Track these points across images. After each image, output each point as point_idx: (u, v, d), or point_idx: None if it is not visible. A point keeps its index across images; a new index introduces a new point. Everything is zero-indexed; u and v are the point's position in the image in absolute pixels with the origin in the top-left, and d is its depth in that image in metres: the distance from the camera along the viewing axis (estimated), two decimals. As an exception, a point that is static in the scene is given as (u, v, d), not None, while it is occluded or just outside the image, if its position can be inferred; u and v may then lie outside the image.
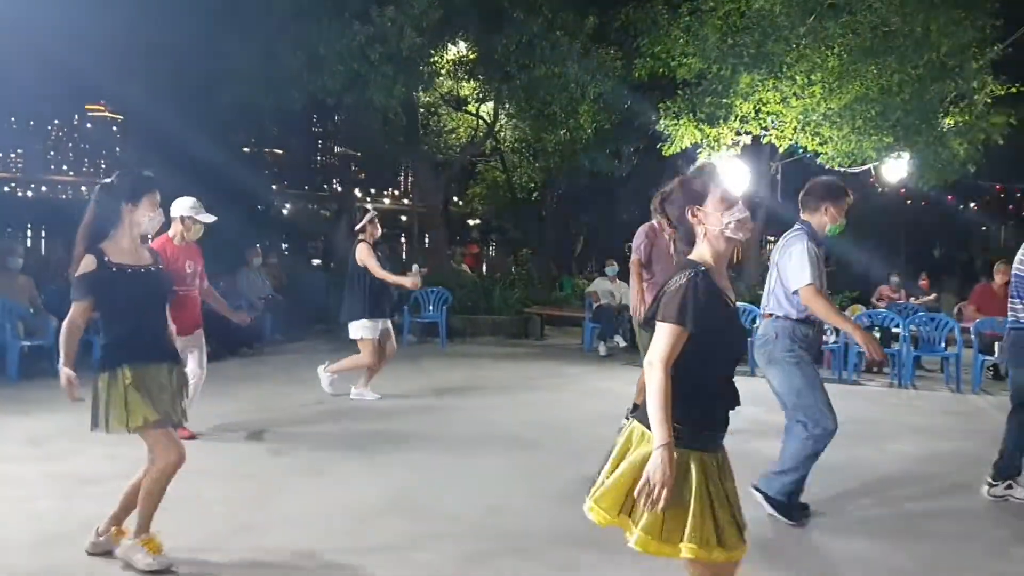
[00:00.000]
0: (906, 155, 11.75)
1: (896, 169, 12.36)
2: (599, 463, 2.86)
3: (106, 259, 3.89)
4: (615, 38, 13.26)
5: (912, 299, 13.10)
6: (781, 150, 11.70)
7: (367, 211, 8.25)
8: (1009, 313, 5.34)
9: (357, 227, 7.78)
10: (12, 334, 8.78)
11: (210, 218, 6.23)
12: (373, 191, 37.01)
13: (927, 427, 7.77)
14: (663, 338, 2.66)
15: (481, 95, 15.29)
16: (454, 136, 18.01)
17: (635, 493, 2.59)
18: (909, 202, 27.71)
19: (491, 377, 9.80)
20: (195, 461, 4.20)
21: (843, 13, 10.66)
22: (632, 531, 2.63)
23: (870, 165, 12.15)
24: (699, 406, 2.70)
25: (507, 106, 14.32)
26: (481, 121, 17.02)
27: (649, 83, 12.83)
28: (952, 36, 11.02)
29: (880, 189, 17.23)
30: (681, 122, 11.41)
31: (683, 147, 12.05)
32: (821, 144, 11.27)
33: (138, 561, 3.88)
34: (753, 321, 9.99)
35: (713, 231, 2.81)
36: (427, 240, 21.34)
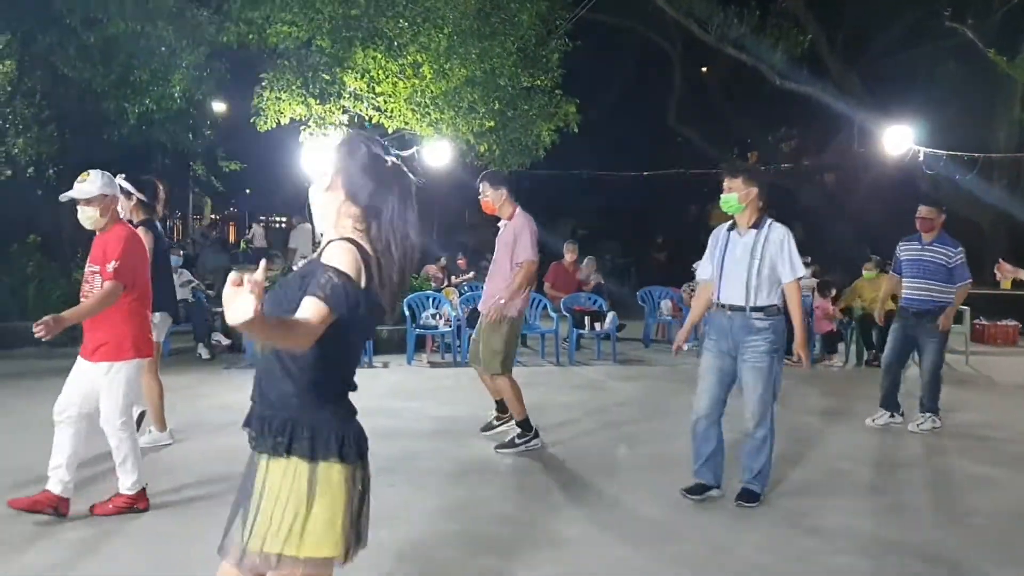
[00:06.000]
0: (445, 141, 11.73)
1: (440, 151, 12.17)
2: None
3: None
4: (208, -1, 11.62)
5: (454, 277, 13.55)
6: (390, 131, 11.38)
7: None
8: None
9: None
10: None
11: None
12: None
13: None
14: None
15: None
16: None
17: None
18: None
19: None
20: None
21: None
22: None
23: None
24: None
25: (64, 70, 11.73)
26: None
27: (237, 51, 11.55)
28: (537, 28, 11.66)
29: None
30: (284, 96, 10.44)
31: (278, 123, 11.08)
32: (429, 126, 11.16)
33: None
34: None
35: None
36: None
